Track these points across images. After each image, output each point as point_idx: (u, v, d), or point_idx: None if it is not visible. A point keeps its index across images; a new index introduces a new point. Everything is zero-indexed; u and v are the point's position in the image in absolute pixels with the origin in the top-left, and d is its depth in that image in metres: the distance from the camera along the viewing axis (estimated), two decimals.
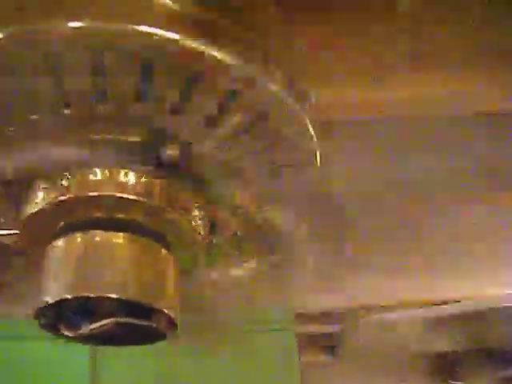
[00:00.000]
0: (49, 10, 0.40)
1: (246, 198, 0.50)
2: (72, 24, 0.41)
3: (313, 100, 0.47)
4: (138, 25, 0.41)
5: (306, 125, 0.49)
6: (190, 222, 0.51)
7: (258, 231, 0.51)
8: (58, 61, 0.41)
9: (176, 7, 0.43)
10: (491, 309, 1.89)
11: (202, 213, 0.52)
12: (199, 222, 0.52)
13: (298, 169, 0.50)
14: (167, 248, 0.52)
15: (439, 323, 1.95)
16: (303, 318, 1.55)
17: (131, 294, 0.47)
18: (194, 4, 0.44)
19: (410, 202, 0.96)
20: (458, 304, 1.75)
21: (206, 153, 0.48)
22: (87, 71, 0.42)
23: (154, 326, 0.49)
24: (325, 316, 1.72)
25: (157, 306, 0.48)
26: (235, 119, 0.46)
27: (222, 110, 0.45)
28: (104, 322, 0.49)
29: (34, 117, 0.44)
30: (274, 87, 0.45)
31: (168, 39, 0.42)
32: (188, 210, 0.51)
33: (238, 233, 0.51)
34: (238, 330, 0.79)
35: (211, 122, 0.46)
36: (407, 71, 0.59)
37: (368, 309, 1.73)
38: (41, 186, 0.49)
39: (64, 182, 0.49)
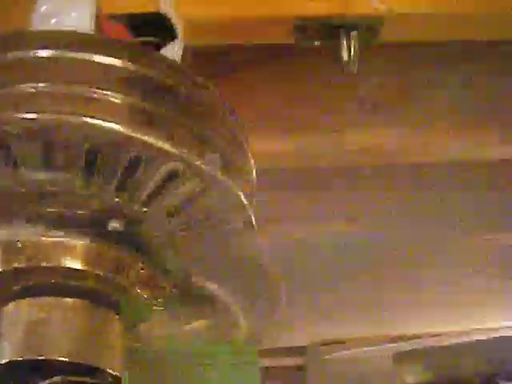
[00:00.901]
0: None
1: (184, 264, 0.55)
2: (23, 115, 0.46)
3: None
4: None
5: (240, 198, 0.54)
6: (135, 286, 0.56)
7: (194, 296, 0.56)
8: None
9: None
10: (458, 344, 1.95)
11: (146, 277, 0.56)
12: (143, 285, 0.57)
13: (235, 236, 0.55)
14: (115, 309, 0.56)
15: (406, 357, 2.00)
16: (267, 352, 1.59)
17: (78, 355, 0.52)
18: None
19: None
20: (419, 340, 1.81)
21: (149, 224, 0.53)
22: (37, 159, 0.47)
23: (101, 383, 0.53)
24: (288, 350, 1.77)
25: (102, 365, 0.52)
26: (172, 197, 0.51)
27: (160, 188, 0.50)
28: (54, 379, 0.53)
29: None
30: (208, 168, 0.50)
31: (110, 129, 0.47)
32: (133, 276, 0.55)
33: (174, 296, 0.56)
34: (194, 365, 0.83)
35: (152, 198, 0.51)
36: None
37: (332, 344, 1.78)
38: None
39: (17, 250, 0.53)
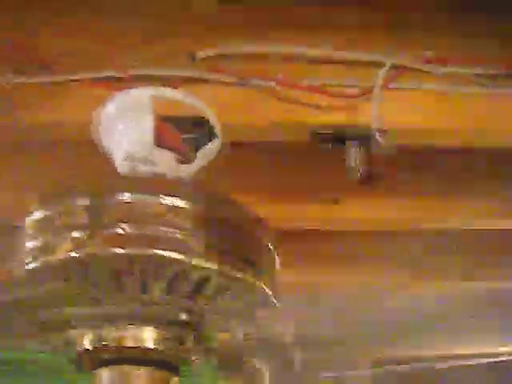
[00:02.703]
0: None
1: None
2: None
3: None
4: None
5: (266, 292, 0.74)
6: (191, 355, 0.77)
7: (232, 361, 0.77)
8: None
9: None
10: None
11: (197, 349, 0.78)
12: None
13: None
14: (175, 372, 0.77)
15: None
16: None
17: None
18: None
19: None
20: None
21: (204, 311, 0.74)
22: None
23: None
24: None
25: None
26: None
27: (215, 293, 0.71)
28: None
29: None
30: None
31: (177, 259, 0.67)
32: (189, 348, 0.77)
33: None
34: None
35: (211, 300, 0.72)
36: None
37: None
38: (87, 336, 0.75)
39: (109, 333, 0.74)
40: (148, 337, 0.75)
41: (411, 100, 1.00)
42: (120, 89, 0.96)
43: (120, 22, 1.05)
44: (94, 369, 0.77)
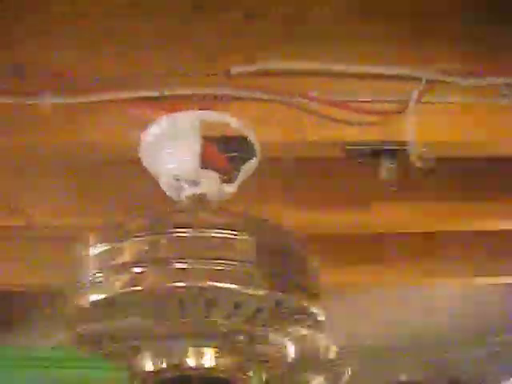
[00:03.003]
0: None
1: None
2: None
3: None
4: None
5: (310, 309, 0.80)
6: (246, 372, 0.83)
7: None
8: None
9: None
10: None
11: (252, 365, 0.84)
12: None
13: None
14: None
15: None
16: None
17: None
18: None
19: None
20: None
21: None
22: None
23: None
24: None
25: None
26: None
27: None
28: None
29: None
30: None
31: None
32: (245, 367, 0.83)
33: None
34: None
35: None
36: None
37: None
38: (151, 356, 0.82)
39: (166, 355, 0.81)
40: (208, 357, 0.81)
41: (440, 113, 1.04)
42: (158, 108, 1.01)
43: (156, 43, 1.09)
44: None
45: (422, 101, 1.01)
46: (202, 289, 0.74)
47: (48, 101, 1.04)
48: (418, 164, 0.96)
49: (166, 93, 1.03)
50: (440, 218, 1.30)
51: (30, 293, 1.78)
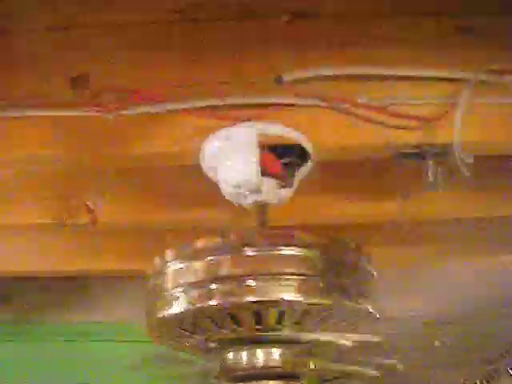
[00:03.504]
0: None
1: None
2: None
3: None
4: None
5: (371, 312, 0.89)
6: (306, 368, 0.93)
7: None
8: None
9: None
10: None
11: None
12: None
13: None
14: (298, 380, 0.94)
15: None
16: None
17: None
18: None
19: None
20: None
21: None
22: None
23: None
24: None
25: None
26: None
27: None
28: None
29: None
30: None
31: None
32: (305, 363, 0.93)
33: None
34: None
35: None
36: None
37: None
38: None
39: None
40: (273, 356, 0.91)
41: (482, 113, 1.09)
42: (215, 117, 1.09)
43: (211, 52, 1.15)
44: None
45: (471, 102, 1.06)
46: (271, 302, 0.83)
47: (112, 112, 1.11)
48: (462, 167, 1.02)
49: (220, 102, 1.09)
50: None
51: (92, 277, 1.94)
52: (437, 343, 2.47)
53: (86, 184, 1.41)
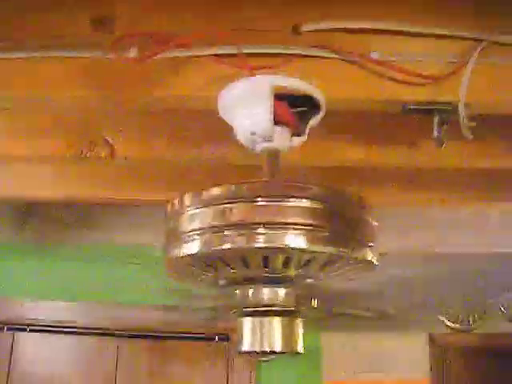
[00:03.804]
0: None
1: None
2: None
3: None
4: None
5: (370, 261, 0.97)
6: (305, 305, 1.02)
7: None
8: None
9: None
10: None
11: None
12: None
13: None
14: (297, 317, 1.03)
15: None
16: None
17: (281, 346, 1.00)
18: None
19: None
20: None
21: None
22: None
23: None
24: None
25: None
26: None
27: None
28: None
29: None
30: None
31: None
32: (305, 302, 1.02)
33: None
34: None
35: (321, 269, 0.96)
36: None
37: None
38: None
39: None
40: (278, 295, 1.00)
41: (492, 73, 1.14)
42: (233, 65, 1.14)
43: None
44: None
45: (482, 62, 1.10)
46: (279, 249, 0.91)
47: (135, 55, 1.16)
48: (467, 125, 1.07)
49: (241, 50, 1.13)
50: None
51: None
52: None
53: (105, 121, 1.47)
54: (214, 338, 3.27)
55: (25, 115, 1.47)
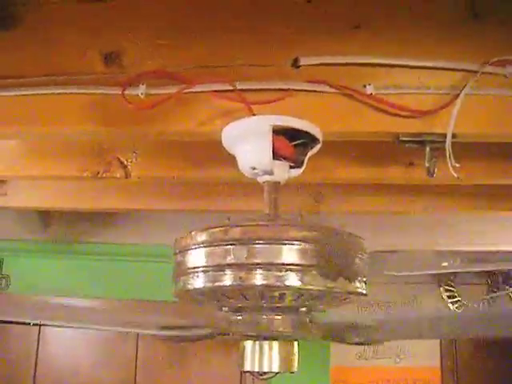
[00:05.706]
0: None
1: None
2: None
3: None
4: None
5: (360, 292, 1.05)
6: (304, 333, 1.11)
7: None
8: None
9: None
10: None
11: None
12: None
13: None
14: (294, 340, 1.12)
15: None
16: None
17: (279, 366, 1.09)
18: None
19: None
20: None
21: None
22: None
23: None
24: None
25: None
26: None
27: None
28: None
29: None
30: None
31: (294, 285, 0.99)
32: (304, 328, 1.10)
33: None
34: None
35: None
36: None
37: None
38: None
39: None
40: (277, 322, 1.08)
41: (480, 104, 1.19)
42: (235, 100, 1.21)
43: (233, 37, 1.26)
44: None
45: (474, 93, 1.16)
46: (273, 286, 0.99)
47: (143, 91, 1.24)
48: (453, 165, 1.14)
49: (236, 87, 1.20)
50: None
51: None
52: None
53: (119, 143, 1.56)
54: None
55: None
